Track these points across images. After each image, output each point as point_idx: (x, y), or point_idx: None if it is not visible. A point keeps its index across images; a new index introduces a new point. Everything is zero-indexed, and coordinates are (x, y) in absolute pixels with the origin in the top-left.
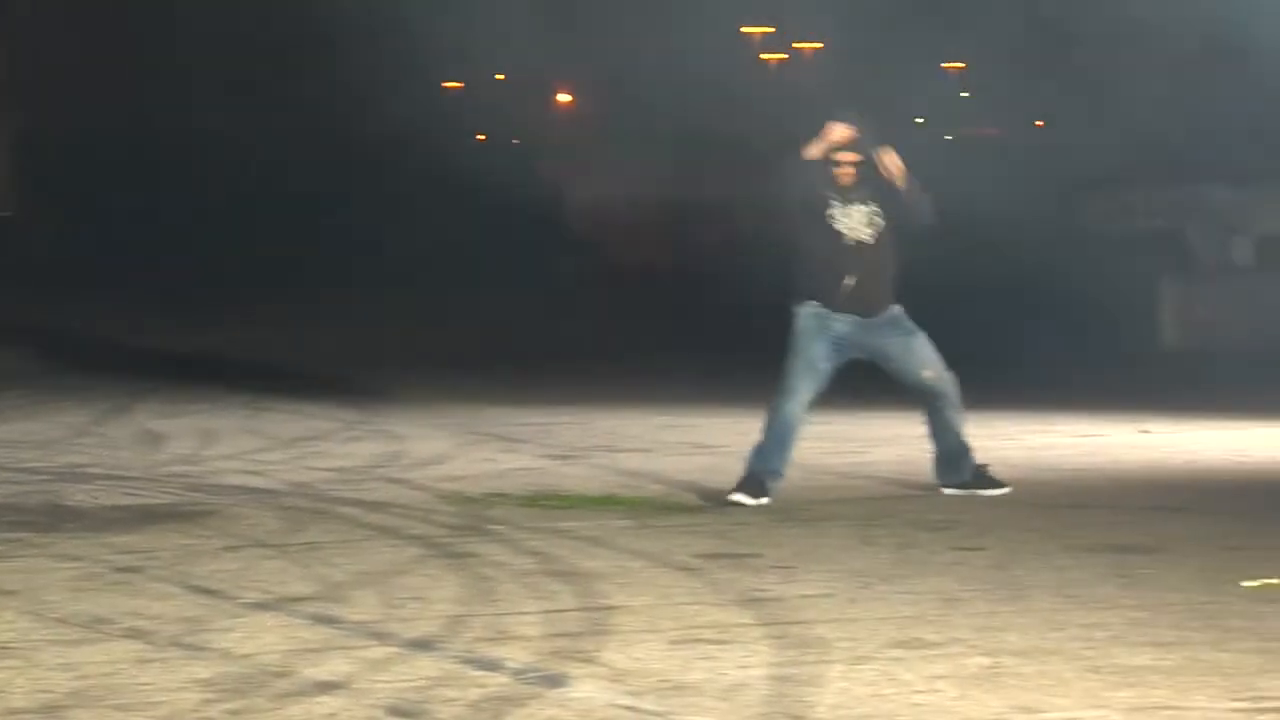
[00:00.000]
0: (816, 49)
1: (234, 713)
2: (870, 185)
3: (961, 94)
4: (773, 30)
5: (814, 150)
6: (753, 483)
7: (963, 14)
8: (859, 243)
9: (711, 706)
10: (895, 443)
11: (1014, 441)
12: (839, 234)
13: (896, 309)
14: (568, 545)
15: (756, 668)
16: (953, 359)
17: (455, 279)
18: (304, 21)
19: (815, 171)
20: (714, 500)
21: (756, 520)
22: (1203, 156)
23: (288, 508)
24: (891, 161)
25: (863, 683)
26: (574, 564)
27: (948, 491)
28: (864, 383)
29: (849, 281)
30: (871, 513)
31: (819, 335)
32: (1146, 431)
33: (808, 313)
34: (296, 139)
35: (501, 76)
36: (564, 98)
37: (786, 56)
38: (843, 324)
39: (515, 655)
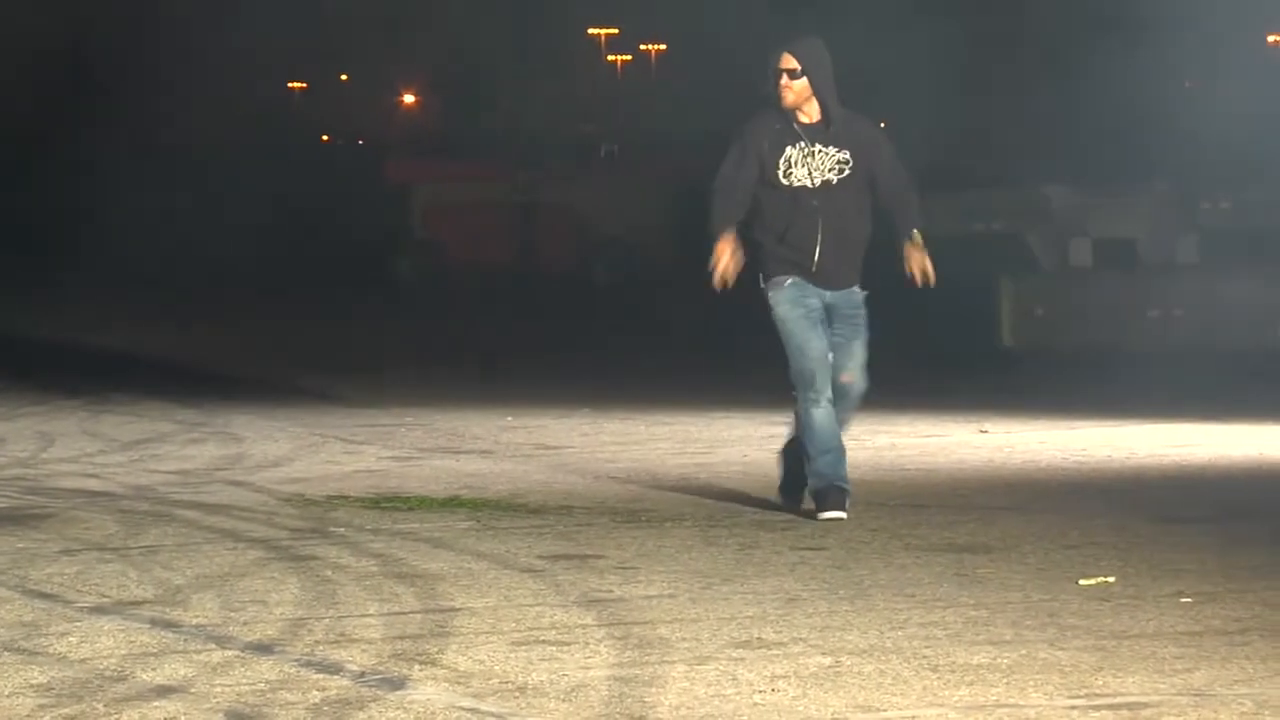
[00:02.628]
0: (661, 50)
1: (70, 718)
2: (841, 132)
3: None
4: (617, 32)
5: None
6: (834, 493)
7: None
8: (824, 184)
9: (553, 708)
10: (740, 443)
11: (856, 442)
12: (798, 189)
13: (859, 293)
14: (410, 547)
15: (598, 668)
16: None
17: (293, 279)
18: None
19: (751, 161)
20: (809, 518)
21: (599, 521)
22: (1043, 158)
23: (127, 511)
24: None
25: (704, 683)
26: (416, 566)
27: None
28: (708, 382)
29: (817, 242)
30: (714, 513)
31: (807, 316)
32: (985, 431)
33: (783, 295)
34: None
35: (345, 77)
36: (409, 98)
37: (631, 58)
38: (818, 298)
39: (356, 658)
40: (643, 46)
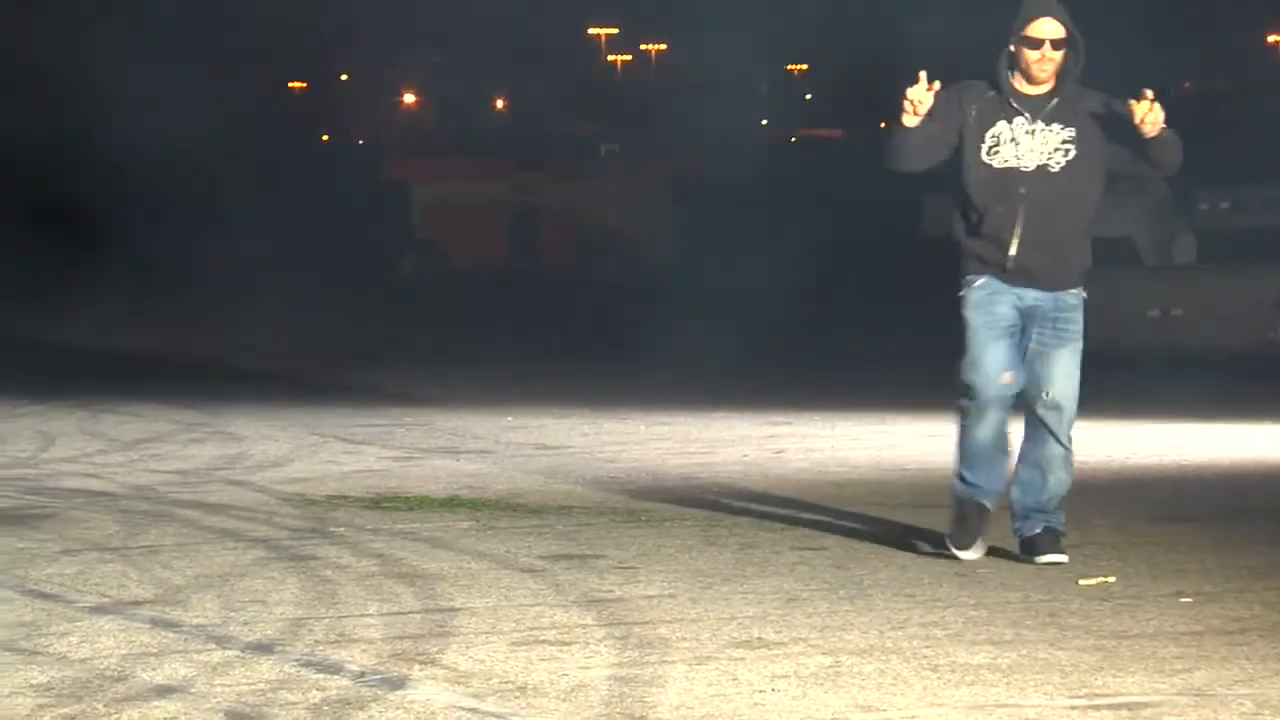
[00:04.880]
0: (661, 50)
1: (69, 718)
2: (1068, 107)
3: (805, 95)
4: (617, 32)
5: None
6: (973, 512)
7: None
8: (1040, 169)
9: (553, 708)
10: (740, 443)
11: (856, 442)
12: (1004, 172)
13: (1074, 296)
14: (410, 547)
15: (598, 668)
16: (809, 358)
17: (295, 279)
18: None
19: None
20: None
21: (599, 521)
22: None
23: (127, 511)
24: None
25: (704, 683)
26: (416, 566)
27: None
28: (707, 382)
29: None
30: (715, 513)
31: (992, 324)
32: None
33: (972, 296)
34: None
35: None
36: (410, 98)
37: (631, 58)
38: (1014, 302)
39: (356, 658)
40: (643, 46)
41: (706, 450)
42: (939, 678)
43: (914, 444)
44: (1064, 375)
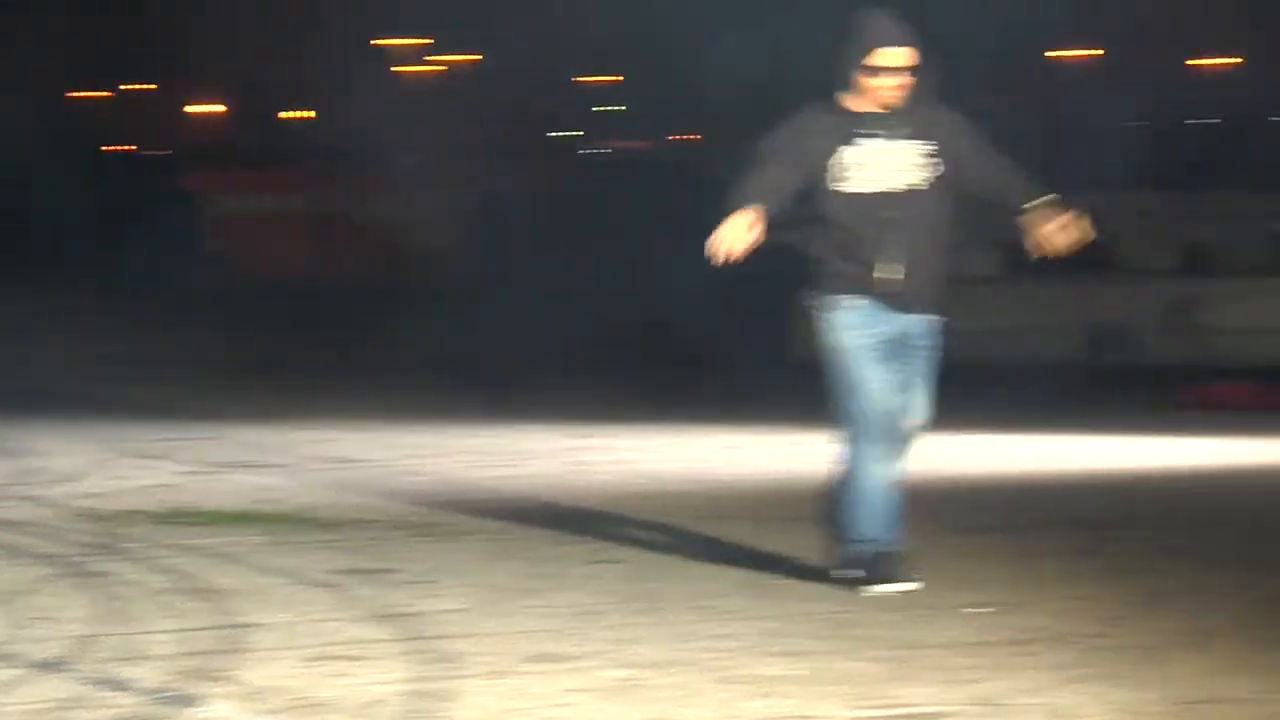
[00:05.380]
0: (470, 61)
1: None
2: (923, 120)
3: (615, 107)
4: (420, 42)
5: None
6: (887, 561)
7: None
8: (907, 190)
9: None
10: (542, 456)
11: (662, 454)
12: (868, 195)
13: (936, 321)
14: (203, 563)
15: (392, 684)
16: (616, 370)
17: (83, 290)
18: None
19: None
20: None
21: (395, 535)
22: None
23: None
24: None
25: (499, 697)
26: (209, 581)
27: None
28: (505, 394)
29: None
30: (512, 526)
31: (869, 347)
32: (795, 444)
33: (840, 319)
34: None
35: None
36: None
37: (440, 68)
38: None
39: (147, 675)
40: (451, 56)
41: (508, 462)
42: (733, 690)
43: (718, 456)
44: (926, 403)
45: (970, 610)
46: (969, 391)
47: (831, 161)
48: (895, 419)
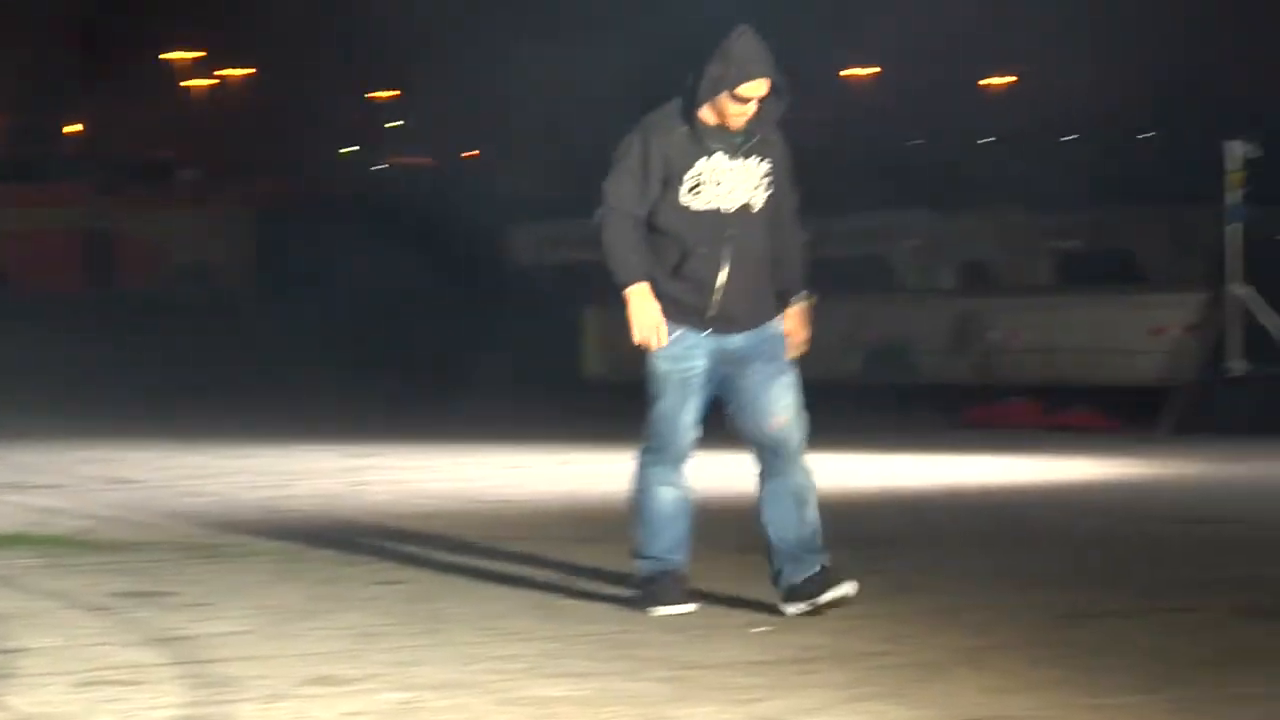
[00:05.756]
0: (246, 75)
1: None
2: (763, 139)
3: (392, 123)
4: (200, 55)
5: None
6: (665, 581)
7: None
8: (743, 208)
9: None
10: (322, 476)
11: (441, 473)
12: (708, 214)
13: (777, 324)
14: None
15: (166, 709)
16: (391, 388)
17: None
18: None
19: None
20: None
21: (173, 557)
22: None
23: None
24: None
25: None
26: None
27: (791, 609)
28: (285, 413)
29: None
30: (293, 548)
31: (686, 379)
32: (567, 463)
33: (665, 348)
34: None
35: None
36: None
37: (215, 82)
38: (711, 355)
39: None
40: (227, 71)
41: (287, 483)
42: (515, 712)
43: (497, 475)
44: (786, 402)
45: (753, 629)
46: None
47: (687, 175)
48: (693, 449)
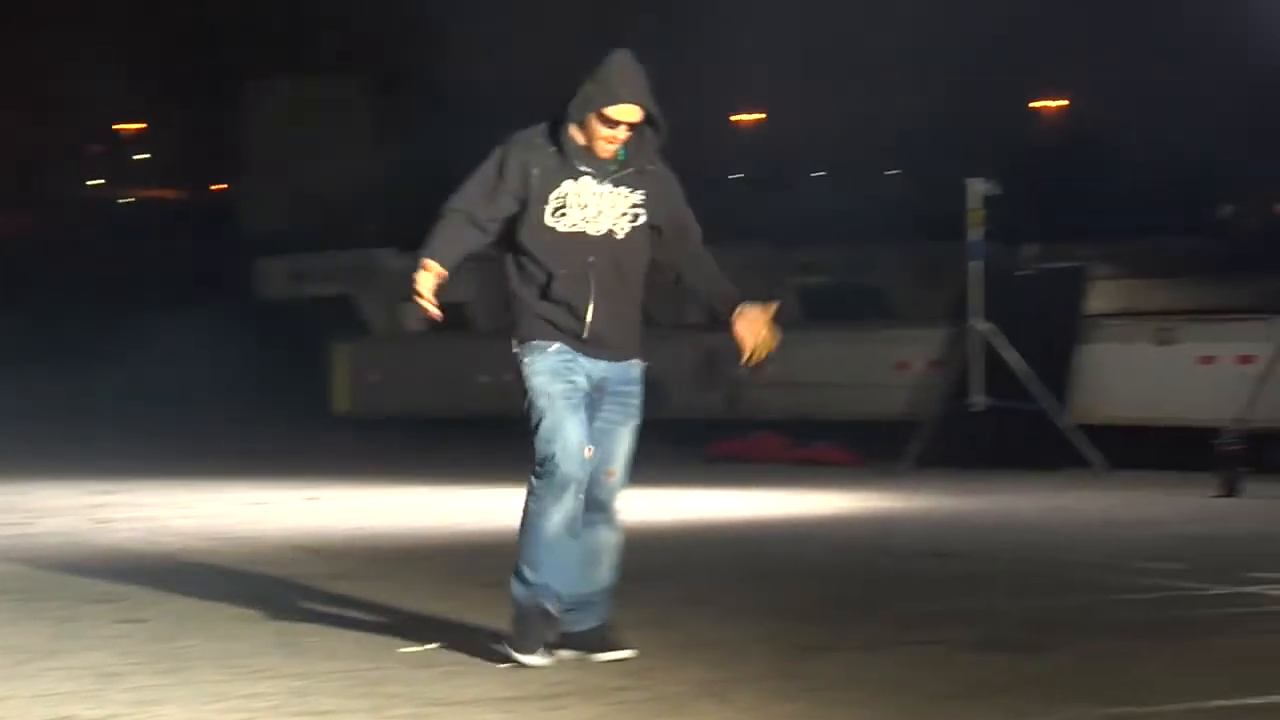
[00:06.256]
0: None
1: None
2: (636, 169)
3: (138, 156)
4: None
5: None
6: (545, 621)
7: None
8: (608, 234)
9: None
10: (60, 513)
11: (188, 510)
12: (573, 236)
13: (638, 367)
14: None
15: None
16: (136, 426)
17: None
18: None
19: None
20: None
21: None
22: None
23: None
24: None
25: None
26: None
27: (563, 653)
28: (28, 449)
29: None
30: (34, 585)
31: (570, 395)
32: (315, 499)
33: (544, 363)
34: None
35: None
36: None
37: None
38: (586, 373)
39: None
40: None
41: (29, 520)
42: None
43: (243, 512)
44: (626, 454)
45: (501, 665)
46: (498, 444)
47: (553, 195)
48: (587, 469)
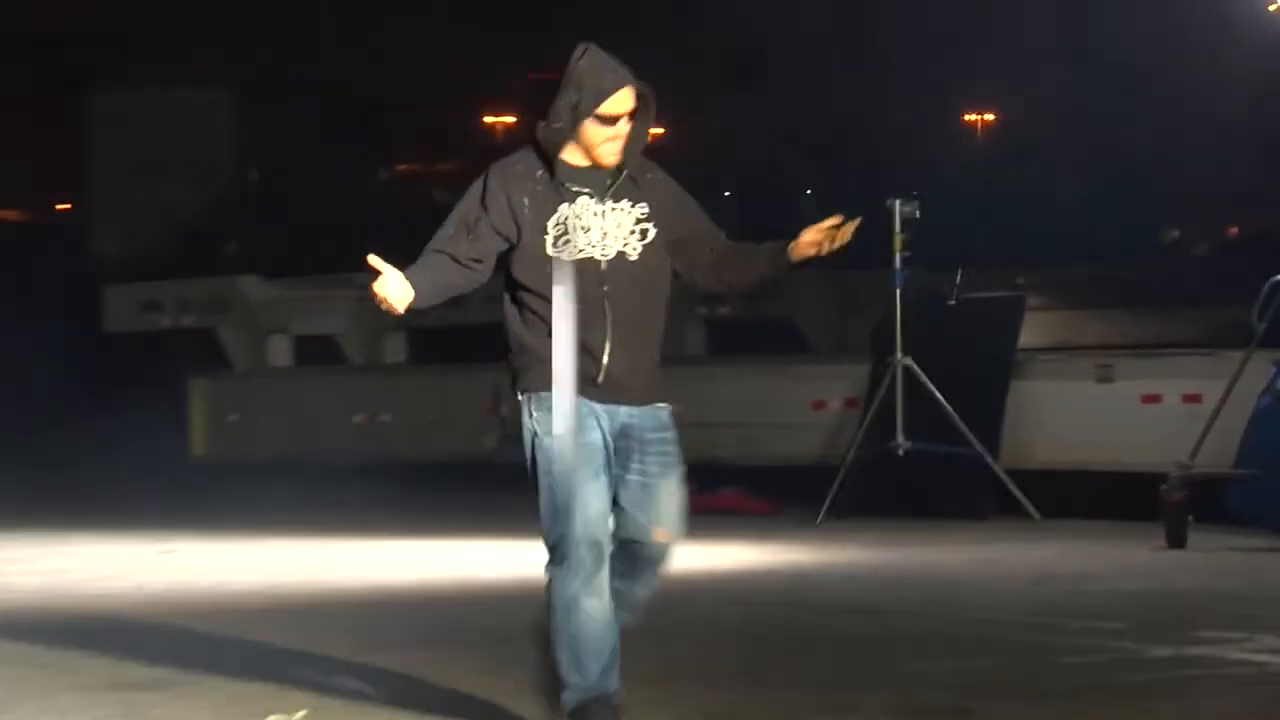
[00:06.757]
0: None
1: None
2: (638, 180)
3: None
4: None
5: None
6: (606, 713)
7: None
8: (618, 256)
9: None
10: None
11: (29, 566)
12: (578, 264)
13: (665, 411)
14: None
15: None
16: None
17: None
18: None
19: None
20: None
21: None
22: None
23: None
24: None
25: None
26: None
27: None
28: None
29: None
30: None
31: (586, 455)
32: (170, 551)
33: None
34: None
35: None
36: None
37: None
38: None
39: None
40: None
41: None
42: None
43: (91, 566)
44: (675, 511)
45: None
46: (377, 489)
47: (550, 223)
48: (609, 543)
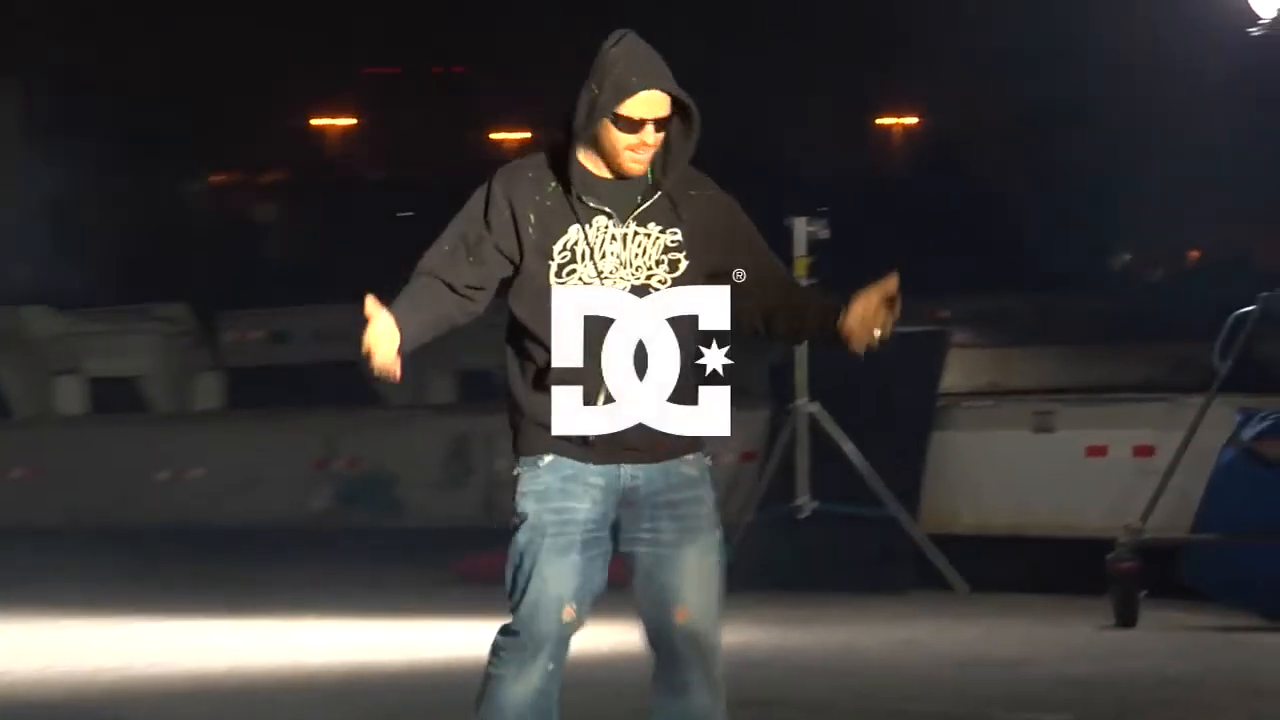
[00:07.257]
0: None
1: None
2: (674, 197)
3: None
4: None
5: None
6: None
7: None
8: (642, 288)
9: None
10: None
11: None
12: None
13: (698, 463)
14: None
15: None
16: None
17: None
18: None
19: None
20: None
21: None
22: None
23: None
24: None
25: None
26: None
27: None
28: None
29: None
30: None
31: (560, 526)
32: None
33: (534, 482)
34: None
35: None
36: None
37: None
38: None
39: None
40: None
41: None
42: None
43: None
44: (700, 585)
45: None
46: (180, 557)
47: (556, 248)
48: (567, 630)
